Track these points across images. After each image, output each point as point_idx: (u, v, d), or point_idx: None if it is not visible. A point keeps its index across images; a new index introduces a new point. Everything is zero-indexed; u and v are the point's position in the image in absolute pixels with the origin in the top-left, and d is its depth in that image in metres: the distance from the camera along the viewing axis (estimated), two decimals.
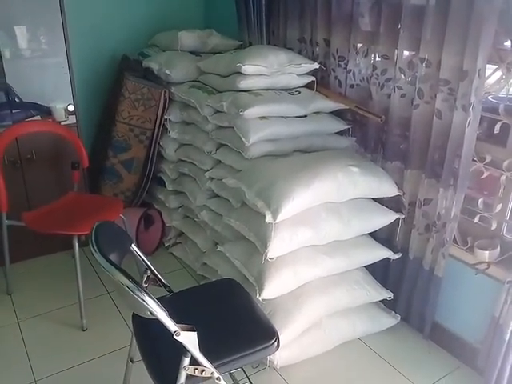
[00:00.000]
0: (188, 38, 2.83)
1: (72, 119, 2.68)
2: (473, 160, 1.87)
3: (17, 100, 2.57)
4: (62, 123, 2.62)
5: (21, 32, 2.49)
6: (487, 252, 1.88)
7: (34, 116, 2.60)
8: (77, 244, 2.17)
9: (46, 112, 2.62)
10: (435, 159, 1.95)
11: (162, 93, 2.71)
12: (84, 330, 2.25)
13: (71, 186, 2.58)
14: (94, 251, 1.28)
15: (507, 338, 1.79)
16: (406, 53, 1.99)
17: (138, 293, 1.19)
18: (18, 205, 2.41)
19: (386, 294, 2.17)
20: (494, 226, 1.89)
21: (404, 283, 2.19)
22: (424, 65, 1.89)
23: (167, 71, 2.66)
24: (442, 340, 2.14)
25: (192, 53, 2.85)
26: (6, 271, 2.47)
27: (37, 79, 2.58)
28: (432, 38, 1.83)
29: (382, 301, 2.22)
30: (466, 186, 1.89)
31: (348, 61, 2.28)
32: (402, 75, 2.01)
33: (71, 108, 2.66)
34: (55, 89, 2.63)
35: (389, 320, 2.20)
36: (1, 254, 2.40)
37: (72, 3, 2.63)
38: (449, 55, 1.77)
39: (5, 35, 2.45)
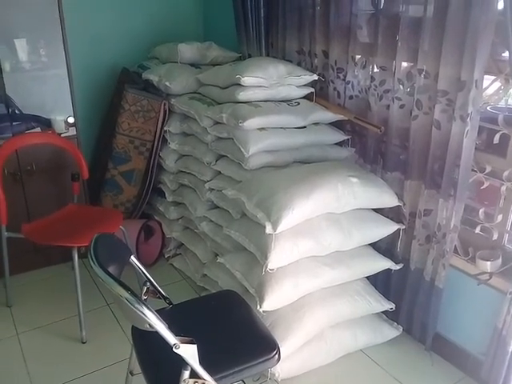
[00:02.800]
0: (187, 51, 2.85)
1: (72, 131, 2.68)
2: (472, 170, 1.87)
3: (17, 112, 2.58)
4: (62, 135, 2.63)
5: (21, 45, 2.51)
6: (489, 262, 1.87)
7: (34, 128, 2.60)
8: (76, 256, 2.17)
9: (46, 124, 2.63)
10: (435, 170, 1.95)
11: (162, 104, 2.72)
12: (84, 343, 2.23)
13: (71, 197, 2.58)
14: (92, 264, 1.28)
15: (510, 350, 1.77)
16: (405, 64, 2.00)
17: (137, 305, 1.18)
18: (18, 216, 2.41)
19: (388, 305, 2.15)
20: (495, 237, 1.89)
21: (406, 294, 2.18)
22: (422, 76, 1.89)
23: (167, 83, 2.68)
24: (445, 351, 2.13)
25: (192, 65, 2.87)
26: (6, 283, 2.46)
27: (37, 91, 2.59)
28: (430, 49, 1.84)
29: (384, 312, 2.21)
30: (466, 197, 1.89)
31: (347, 72, 2.29)
32: (401, 86, 2.02)
33: (71, 120, 2.67)
34: (55, 101, 2.64)
35: (391, 331, 2.19)
36: (0, 265, 2.39)
37: (72, 16, 2.65)
38: (446, 66, 1.78)
39: (5, 48, 2.46)
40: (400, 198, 2.12)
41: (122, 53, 3.15)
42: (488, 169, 1.86)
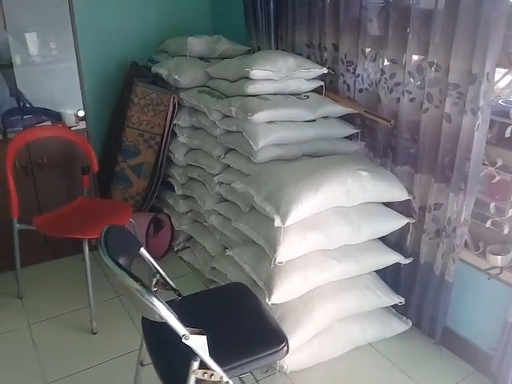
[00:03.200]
0: (197, 44, 2.85)
1: (82, 124, 2.70)
2: (483, 164, 1.85)
3: (27, 106, 2.60)
4: (72, 128, 2.65)
5: (31, 39, 2.52)
6: (499, 257, 1.86)
7: (44, 121, 2.62)
8: (87, 248, 2.19)
9: (57, 117, 2.65)
10: (445, 163, 1.93)
11: (171, 98, 2.73)
12: (94, 334, 2.26)
13: (81, 190, 2.60)
14: (103, 255, 1.29)
15: None
16: (415, 57, 1.98)
17: (147, 296, 1.19)
18: (29, 209, 2.44)
19: (397, 299, 2.15)
20: (506, 231, 1.87)
21: (415, 288, 2.17)
22: (433, 69, 1.88)
23: (176, 77, 2.68)
24: (455, 346, 2.12)
25: (201, 58, 2.86)
26: (17, 275, 2.49)
27: (47, 85, 2.61)
28: (441, 41, 1.82)
29: (393, 306, 2.21)
30: (477, 191, 1.87)
31: (356, 65, 2.28)
32: (411, 79, 2.01)
33: (81, 113, 2.69)
34: (65, 94, 2.65)
35: (400, 325, 2.18)
36: (12, 257, 2.42)
37: (82, 10, 2.66)
38: (457, 59, 1.76)
39: (16, 42, 2.48)
40: (410, 191, 2.10)
41: (131, 46, 3.16)
42: (499, 163, 1.84)
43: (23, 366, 2.07)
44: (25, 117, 2.59)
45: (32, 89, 2.59)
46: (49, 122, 2.63)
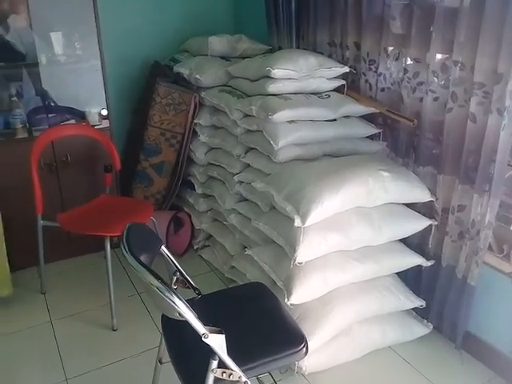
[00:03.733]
0: (218, 43, 2.86)
1: (105, 123, 2.74)
2: (508, 165, 1.81)
3: (52, 104, 2.64)
4: (95, 127, 2.69)
5: (56, 38, 2.56)
6: None
7: (68, 120, 2.67)
8: (109, 245, 2.22)
9: (81, 116, 2.69)
10: (469, 164, 1.90)
11: (193, 97, 2.74)
12: (114, 330, 2.28)
13: (103, 188, 2.64)
14: (125, 252, 1.30)
15: None
16: (439, 56, 1.95)
17: (167, 294, 1.19)
18: (53, 206, 2.48)
19: (418, 302, 2.12)
20: None
21: (436, 291, 2.13)
22: (458, 68, 1.84)
23: (197, 76, 2.69)
24: (476, 350, 2.08)
25: (222, 58, 2.87)
26: (41, 271, 2.54)
27: (71, 84, 2.66)
28: (466, 40, 1.79)
29: (413, 309, 2.17)
30: (502, 192, 1.83)
31: (379, 64, 2.25)
32: (435, 78, 1.98)
33: (104, 112, 2.72)
34: (89, 94, 2.70)
35: (421, 329, 2.15)
36: (36, 253, 2.47)
37: (106, 10, 2.69)
38: (483, 58, 1.73)
39: (41, 41, 2.52)
40: (432, 192, 2.07)
41: (153, 46, 3.19)
42: None
43: (45, 362, 2.11)
44: (50, 115, 2.64)
45: (57, 88, 2.63)
46: (73, 121, 2.68)
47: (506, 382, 1.95)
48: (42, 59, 2.55)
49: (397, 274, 2.16)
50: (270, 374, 1.75)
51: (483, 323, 2.05)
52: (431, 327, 2.17)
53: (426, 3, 1.96)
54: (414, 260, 2.10)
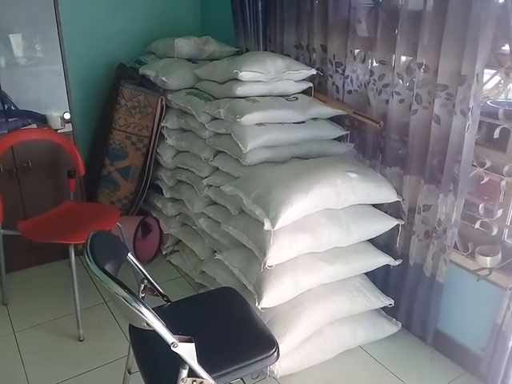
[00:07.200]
0: (185, 45, 2.83)
1: (68, 127, 2.66)
2: (472, 165, 1.85)
3: (12, 108, 2.55)
4: (58, 131, 2.60)
5: (16, 40, 2.48)
6: (489, 258, 1.86)
7: (29, 124, 2.58)
8: (73, 253, 2.14)
9: (42, 120, 2.60)
10: (434, 165, 1.93)
11: (159, 100, 2.70)
12: (81, 341, 2.22)
13: (67, 194, 2.56)
14: (89, 261, 1.26)
15: (510, 345, 1.77)
16: (404, 58, 1.98)
17: (134, 304, 1.16)
18: (14, 214, 2.40)
19: (387, 301, 2.14)
20: (494, 232, 1.87)
21: (405, 290, 2.16)
22: (422, 70, 1.88)
23: (164, 78, 2.65)
24: (444, 347, 2.12)
25: (189, 60, 2.84)
26: (2, 281, 2.44)
27: (32, 87, 2.57)
28: (429, 42, 1.82)
29: (383, 308, 2.20)
30: (466, 192, 1.87)
31: (345, 66, 2.27)
32: (400, 80, 2.01)
33: (67, 116, 2.65)
34: (51, 97, 2.61)
35: (390, 327, 2.18)
36: None
37: (67, 11, 2.62)
38: (446, 60, 1.76)
39: (0, 44, 2.43)
40: (399, 193, 2.10)
41: (118, 48, 3.13)
42: (488, 163, 1.84)
43: (9, 374, 2.03)
44: (9, 120, 2.54)
45: (17, 91, 2.54)
46: (34, 125, 2.59)
47: (475, 377, 1.99)
48: (1, 62, 2.45)
49: (366, 273, 2.19)
50: (242, 379, 1.74)
51: (451, 320, 2.09)
52: (400, 325, 2.19)
53: (390, 6, 1.98)
54: (382, 260, 2.13)
